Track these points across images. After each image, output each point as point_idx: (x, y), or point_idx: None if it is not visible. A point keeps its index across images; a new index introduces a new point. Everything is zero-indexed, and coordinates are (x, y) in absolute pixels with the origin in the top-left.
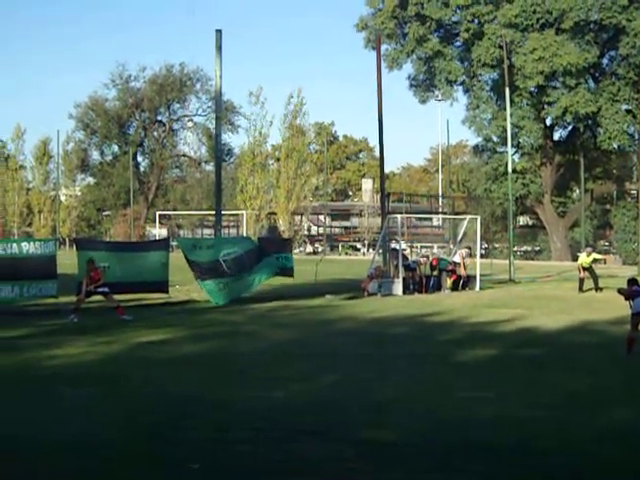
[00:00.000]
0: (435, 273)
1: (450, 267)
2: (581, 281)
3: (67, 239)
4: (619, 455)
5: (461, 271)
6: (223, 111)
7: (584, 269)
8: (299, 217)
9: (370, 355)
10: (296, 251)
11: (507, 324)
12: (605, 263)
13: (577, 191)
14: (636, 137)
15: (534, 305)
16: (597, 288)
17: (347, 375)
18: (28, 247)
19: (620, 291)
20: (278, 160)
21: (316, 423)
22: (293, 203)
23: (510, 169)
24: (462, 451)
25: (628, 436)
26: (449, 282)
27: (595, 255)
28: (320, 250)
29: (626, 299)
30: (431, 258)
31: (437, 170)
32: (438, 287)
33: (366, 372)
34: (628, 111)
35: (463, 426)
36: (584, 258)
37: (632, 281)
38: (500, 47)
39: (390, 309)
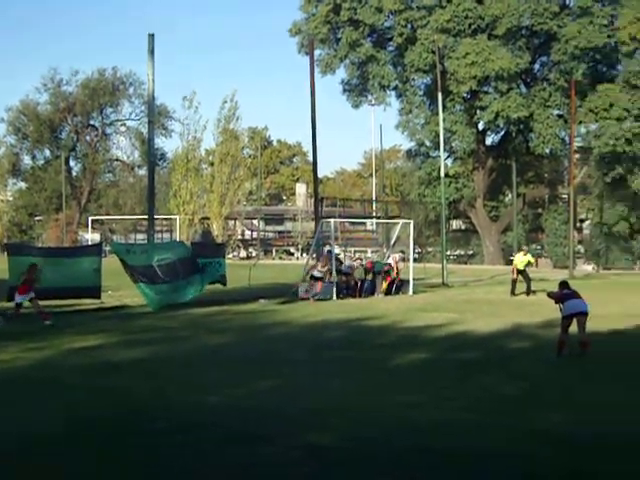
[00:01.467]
0: (369, 277)
1: (386, 268)
2: (513, 283)
3: None
4: (554, 456)
5: (394, 274)
6: (156, 115)
7: (518, 271)
8: (233, 222)
9: (305, 360)
10: (230, 256)
11: (440, 328)
12: (537, 266)
13: (509, 195)
14: (567, 141)
15: (467, 309)
16: (529, 291)
17: (284, 380)
18: None
19: (550, 295)
20: (212, 165)
21: (258, 427)
22: (226, 208)
23: (443, 173)
24: (405, 454)
25: (562, 438)
26: (384, 286)
27: (529, 257)
28: (254, 255)
29: (556, 302)
30: (365, 262)
31: (371, 175)
32: (372, 291)
33: (302, 377)
34: (559, 116)
35: (402, 430)
36: (520, 259)
37: (563, 284)
38: (433, 52)
39: (324, 313)
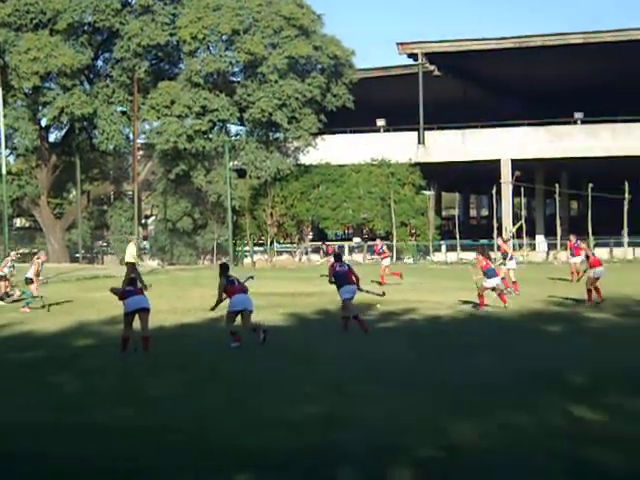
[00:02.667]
0: None
1: None
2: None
3: None
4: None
5: None
6: None
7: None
8: None
9: None
10: None
11: (3, 329)
12: (103, 263)
13: (74, 192)
14: (131, 138)
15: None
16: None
17: None
18: None
19: (113, 290)
20: None
21: None
22: None
23: (4, 171)
24: None
25: (125, 432)
26: None
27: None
28: None
29: (120, 299)
30: None
31: None
32: None
33: None
34: (123, 112)
35: None
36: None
37: (132, 281)
38: None
39: None
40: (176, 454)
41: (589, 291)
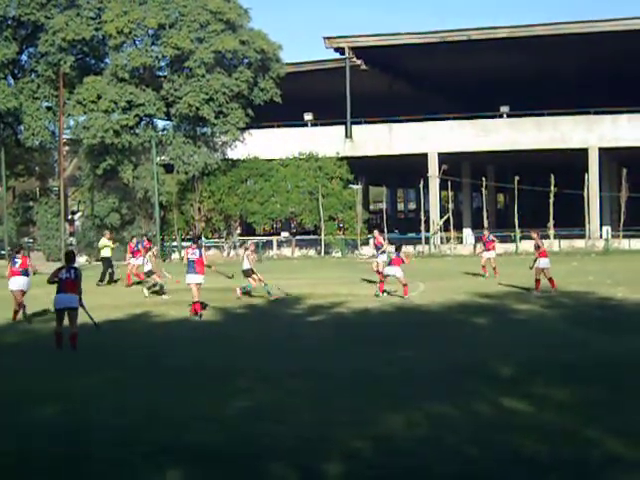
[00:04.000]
0: None
1: None
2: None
3: None
4: None
5: None
6: None
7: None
8: None
9: None
10: None
11: None
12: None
13: None
14: (57, 134)
15: None
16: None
17: None
18: None
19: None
20: None
21: None
22: None
23: None
24: None
25: None
26: None
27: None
28: None
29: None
30: None
31: None
32: None
33: None
34: (49, 108)
35: None
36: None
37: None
38: None
39: None
40: (108, 450)
41: (537, 280)
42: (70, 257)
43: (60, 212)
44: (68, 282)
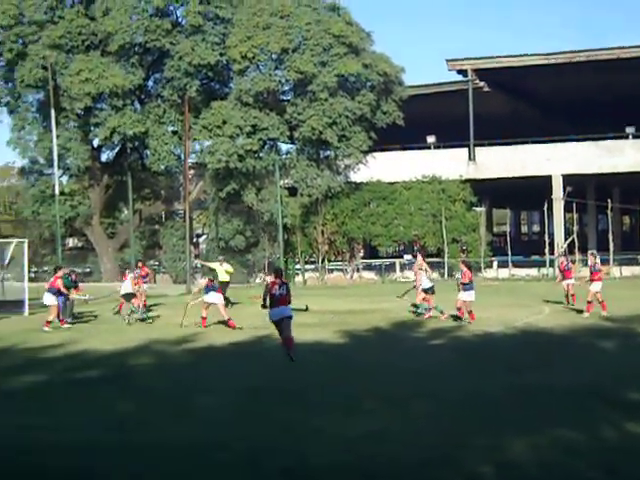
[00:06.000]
0: None
1: None
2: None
3: None
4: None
5: None
6: None
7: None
8: None
9: None
10: None
11: (60, 348)
12: (155, 282)
13: (126, 212)
14: (182, 158)
15: (87, 327)
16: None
17: None
18: None
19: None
20: None
21: None
22: None
23: (57, 191)
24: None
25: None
26: None
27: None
28: None
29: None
30: None
31: None
32: None
33: None
34: (174, 132)
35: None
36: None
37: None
38: (45, 68)
39: None
40: (226, 474)
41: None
42: (279, 273)
43: (185, 235)
44: (281, 298)
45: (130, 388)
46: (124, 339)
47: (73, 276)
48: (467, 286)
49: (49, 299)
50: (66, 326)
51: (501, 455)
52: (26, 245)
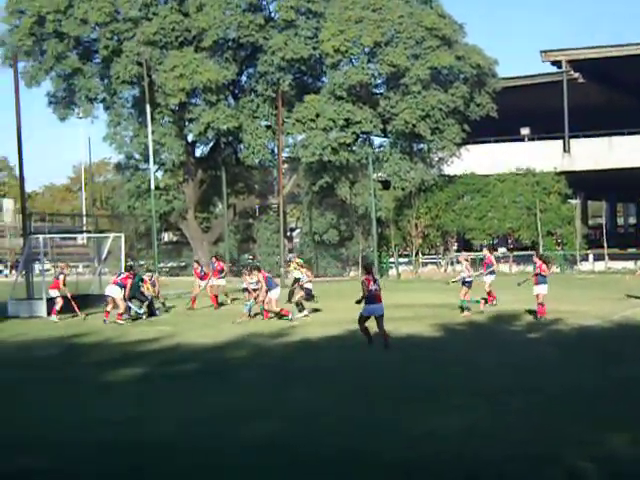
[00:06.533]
0: None
1: None
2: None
3: None
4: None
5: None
6: None
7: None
8: None
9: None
10: None
11: (155, 342)
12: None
13: (220, 206)
14: (276, 152)
15: (181, 321)
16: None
17: None
18: None
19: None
20: None
21: None
22: None
23: (153, 186)
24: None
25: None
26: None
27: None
28: None
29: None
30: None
31: (80, 188)
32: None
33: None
34: (268, 127)
35: (118, 448)
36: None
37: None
38: (139, 64)
39: (35, 332)
40: (326, 470)
41: None
42: (370, 269)
43: (279, 229)
44: (377, 294)
45: (227, 381)
46: (220, 334)
47: (153, 279)
48: (541, 279)
49: (115, 292)
50: (121, 322)
51: (600, 450)
52: (123, 239)
